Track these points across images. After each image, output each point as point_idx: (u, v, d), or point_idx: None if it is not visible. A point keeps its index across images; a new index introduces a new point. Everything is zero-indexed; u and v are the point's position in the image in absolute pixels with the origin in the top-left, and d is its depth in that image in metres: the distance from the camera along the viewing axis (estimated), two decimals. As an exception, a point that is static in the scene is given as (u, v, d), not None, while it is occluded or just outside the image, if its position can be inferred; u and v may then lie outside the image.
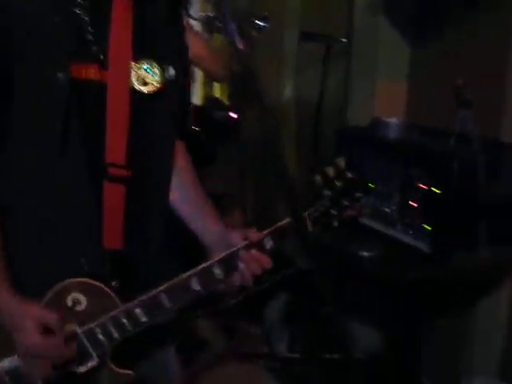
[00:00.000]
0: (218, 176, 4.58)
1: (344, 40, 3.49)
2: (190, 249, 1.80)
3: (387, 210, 2.50)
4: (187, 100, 1.75)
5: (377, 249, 2.44)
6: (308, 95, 3.71)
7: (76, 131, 1.39)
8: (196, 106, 4.20)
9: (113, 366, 1.42)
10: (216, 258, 1.45)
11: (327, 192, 1.45)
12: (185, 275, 1.42)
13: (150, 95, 1.46)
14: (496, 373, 2.83)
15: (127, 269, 1.45)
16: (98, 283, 1.39)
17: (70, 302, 1.39)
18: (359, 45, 3.44)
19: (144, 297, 1.41)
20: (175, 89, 1.56)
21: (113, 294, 1.40)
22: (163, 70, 1.49)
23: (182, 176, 1.67)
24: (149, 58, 1.46)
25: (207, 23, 3.08)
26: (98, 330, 1.39)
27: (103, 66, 1.40)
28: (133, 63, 1.44)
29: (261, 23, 3.15)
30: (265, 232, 1.47)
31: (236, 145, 4.53)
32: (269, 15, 3.20)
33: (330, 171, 1.47)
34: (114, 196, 1.42)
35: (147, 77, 1.46)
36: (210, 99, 4.89)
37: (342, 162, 1.47)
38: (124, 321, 1.40)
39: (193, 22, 3.12)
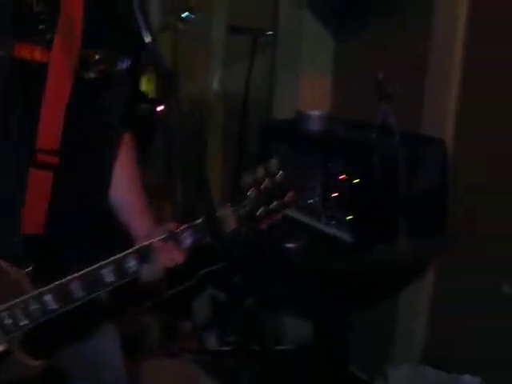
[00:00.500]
0: (146, 169, 4.55)
1: (270, 33, 3.51)
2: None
3: (310, 201, 2.53)
4: (138, 91, 1.72)
5: (301, 240, 2.46)
6: (236, 88, 3.72)
7: (16, 112, 1.37)
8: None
9: (22, 355, 1.37)
10: (130, 249, 1.42)
11: (255, 192, 1.43)
12: (97, 264, 1.39)
13: (95, 83, 1.44)
14: (419, 360, 2.90)
15: (47, 254, 1.43)
16: (8, 267, 1.35)
17: None
18: (284, 38, 3.46)
19: (56, 283, 1.36)
20: (126, 80, 1.54)
21: (25, 279, 1.36)
22: (114, 60, 1.47)
23: (121, 170, 1.65)
24: (100, 47, 1.44)
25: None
26: (4, 315, 1.34)
27: (49, 48, 1.37)
28: (83, 50, 1.41)
29: (187, 15, 3.14)
30: (182, 227, 1.45)
31: (163, 137, 4.50)
32: (195, 7, 3.18)
33: (261, 171, 1.44)
34: (39, 182, 1.40)
35: (96, 65, 1.43)
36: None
37: (273, 163, 1.45)
38: (33, 307, 1.35)
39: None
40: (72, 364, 1.57)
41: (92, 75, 1.43)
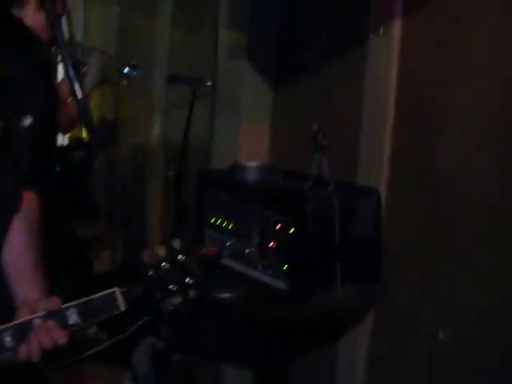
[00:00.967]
0: (85, 218, 4.51)
1: (209, 83, 3.56)
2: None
3: (247, 251, 2.53)
4: (45, 148, 1.70)
5: (238, 289, 2.46)
6: (176, 137, 3.74)
7: None
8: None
9: None
10: (7, 324, 1.35)
11: (153, 273, 1.39)
12: None
13: None
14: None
15: None
16: None
17: None
18: (223, 88, 3.51)
19: None
20: (29, 137, 1.52)
21: None
22: (17, 119, 1.44)
23: (18, 235, 1.60)
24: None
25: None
26: None
27: None
28: None
29: (129, 71, 3.18)
30: (68, 304, 1.38)
31: (102, 185, 4.46)
32: (137, 64, 3.24)
33: (161, 251, 1.42)
34: None
35: None
36: (74, 139, 4.83)
37: (176, 243, 1.44)
38: None
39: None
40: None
41: None
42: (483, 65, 2.39)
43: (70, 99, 2.78)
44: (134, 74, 3.23)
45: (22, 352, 1.35)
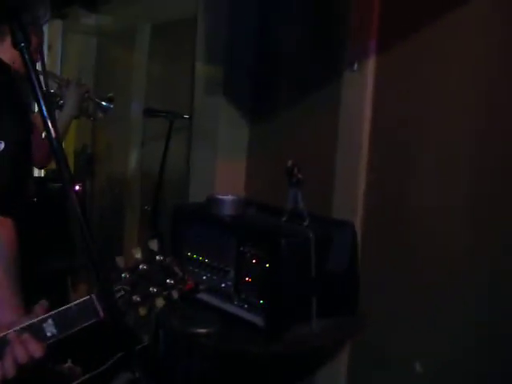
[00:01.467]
0: (63, 250, 4.49)
1: (186, 116, 3.59)
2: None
3: (223, 285, 2.54)
4: (18, 175, 1.70)
5: (214, 325, 2.45)
6: (153, 168, 3.76)
7: None
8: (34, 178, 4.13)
9: None
10: None
11: (129, 275, 1.37)
12: None
13: None
14: None
15: None
16: None
17: None
18: (200, 122, 3.54)
19: None
20: (1, 163, 1.52)
21: None
22: None
23: None
24: None
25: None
26: None
27: None
28: None
29: (106, 104, 3.21)
30: (43, 316, 1.36)
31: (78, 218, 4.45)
32: (113, 97, 3.27)
33: (138, 253, 1.39)
34: None
35: None
36: (51, 170, 4.82)
37: (154, 243, 1.41)
38: None
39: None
40: None
41: None
42: (457, 102, 2.45)
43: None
44: (111, 106, 3.26)
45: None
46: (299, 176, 2.53)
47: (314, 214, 2.59)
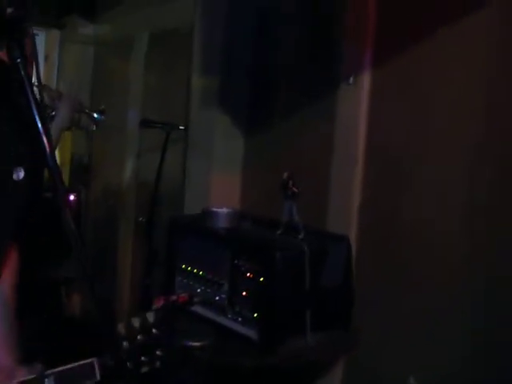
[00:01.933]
0: (58, 260, 4.47)
1: (182, 127, 3.59)
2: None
3: (217, 298, 2.53)
4: (33, 201, 1.69)
5: (208, 338, 2.44)
6: (149, 179, 3.75)
7: None
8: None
9: None
10: None
11: (126, 344, 1.40)
12: None
13: None
14: None
15: None
16: None
17: None
18: (195, 133, 3.53)
19: None
20: (22, 190, 1.50)
21: None
22: (11, 172, 1.44)
23: None
24: None
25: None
26: None
27: None
28: None
29: (97, 116, 3.22)
30: (47, 372, 1.37)
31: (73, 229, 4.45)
32: (105, 109, 3.30)
33: (136, 323, 1.42)
34: None
35: None
36: (46, 181, 4.80)
37: (150, 316, 1.45)
38: None
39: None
40: None
41: None
42: (453, 114, 2.45)
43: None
44: (103, 118, 3.27)
45: None
46: (294, 189, 2.53)
47: (309, 227, 2.59)
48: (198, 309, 2.59)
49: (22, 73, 1.25)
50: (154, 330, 1.43)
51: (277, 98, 3.32)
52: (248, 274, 2.40)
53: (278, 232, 2.58)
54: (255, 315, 2.38)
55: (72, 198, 4.57)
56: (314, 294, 2.44)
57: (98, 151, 5.00)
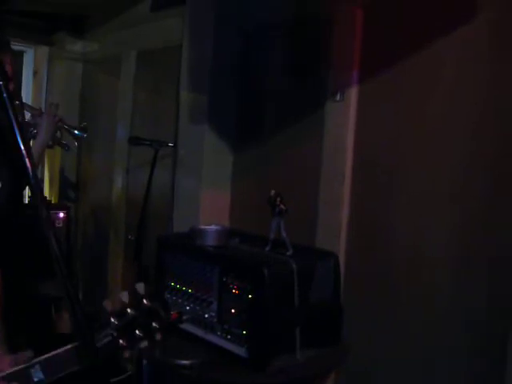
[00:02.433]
0: (47, 278, 4.46)
1: (171, 144, 3.60)
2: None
3: (207, 316, 2.53)
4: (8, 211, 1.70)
5: (197, 356, 2.44)
6: (138, 197, 3.75)
7: None
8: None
9: None
10: None
11: (115, 320, 1.37)
12: None
13: None
14: None
15: None
16: None
17: None
18: (184, 150, 3.54)
19: None
20: None
21: None
22: None
23: None
24: None
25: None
26: None
27: None
28: None
29: (78, 133, 3.24)
30: (32, 361, 1.36)
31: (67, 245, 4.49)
32: (87, 126, 3.30)
33: (124, 297, 1.39)
34: None
35: None
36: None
37: (140, 287, 1.42)
38: None
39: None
40: None
41: None
42: (438, 130, 2.48)
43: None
44: (84, 136, 3.29)
45: None
46: (282, 206, 2.54)
47: (297, 244, 2.60)
48: (187, 326, 2.59)
49: (5, 95, 1.26)
50: (145, 302, 1.38)
51: (265, 114, 3.34)
52: (236, 292, 2.40)
53: (266, 249, 2.59)
54: (244, 332, 2.38)
55: (62, 214, 4.56)
56: (303, 310, 2.44)
57: (86, 168, 5.00)
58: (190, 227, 2.73)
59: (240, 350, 2.40)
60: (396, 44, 2.66)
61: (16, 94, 2.85)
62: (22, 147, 1.27)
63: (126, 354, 1.38)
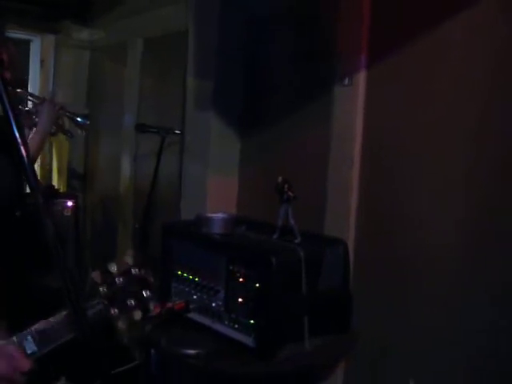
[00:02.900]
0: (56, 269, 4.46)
1: (177, 132, 3.57)
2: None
3: (214, 304, 2.50)
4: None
5: (204, 345, 2.41)
6: (146, 185, 3.73)
7: None
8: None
9: None
10: None
11: (104, 290, 1.37)
12: None
13: None
14: None
15: None
16: None
17: None
18: (191, 137, 3.51)
19: None
20: None
21: None
22: None
23: None
24: None
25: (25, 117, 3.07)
26: None
27: None
28: None
29: (81, 120, 3.20)
30: (23, 332, 1.36)
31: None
32: (89, 113, 3.30)
33: (112, 267, 1.38)
34: None
35: None
36: (44, 187, 4.79)
37: (128, 258, 1.40)
38: None
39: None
40: None
41: None
42: (451, 112, 2.42)
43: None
44: (87, 123, 3.25)
45: None
46: (289, 193, 2.50)
47: (305, 231, 2.56)
48: (194, 316, 2.56)
49: None
50: (134, 271, 1.36)
51: (272, 100, 3.29)
52: (243, 280, 2.36)
53: (274, 236, 2.55)
54: (251, 322, 2.35)
55: (70, 203, 4.54)
56: (311, 298, 2.40)
57: (94, 156, 4.98)
58: (195, 215, 2.69)
59: (247, 340, 2.36)
60: (404, 27, 2.61)
61: (17, 82, 2.83)
62: (17, 135, 1.24)
63: (121, 325, 1.36)
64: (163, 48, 4.12)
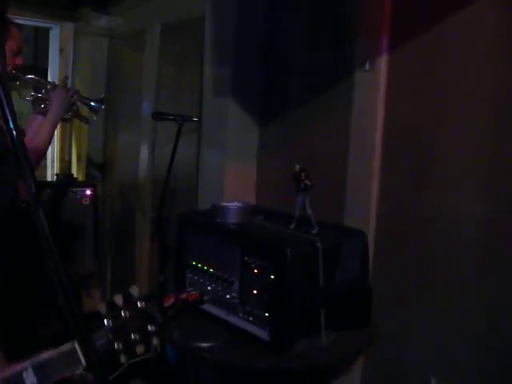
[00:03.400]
0: (79, 256, 4.46)
1: (195, 119, 3.49)
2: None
3: (228, 296, 2.43)
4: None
5: (217, 338, 2.34)
6: (164, 172, 3.67)
7: None
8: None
9: None
10: None
11: (110, 322, 1.31)
12: None
13: None
14: None
15: None
16: None
17: None
18: (209, 124, 3.44)
19: None
20: None
21: None
22: None
23: None
24: None
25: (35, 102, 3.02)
26: None
27: None
28: None
29: (95, 104, 3.13)
30: (24, 364, 1.27)
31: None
32: (105, 97, 3.23)
33: (118, 300, 1.33)
34: None
35: None
36: (63, 176, 4.78)
37: (134, 290, 1.35)
38: None
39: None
40: None
41: None
42: (471, 99, 2.32)
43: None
44: (102, 107, 3.17)
45: None
46: (307, 181, 2.41)
47: (323, 222, 2.48)
48: (208, 307, 2.50)
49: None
50: (140, 305, 1.32)
51: (291, 87, 3.21)
52: (258, 272, 2.29)
53: (291, 227, 2.47)
54: (267, 315, 2.28)
55: (88, 192, 4.52)
56: (328, 291, 2.33)
57: (113, 145, 4.94)
58: (211, 204, 2.62)
59: (262, 333, 2.30)
60: (426, 10, 2.50)
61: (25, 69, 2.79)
62: (10, 120, 1.17)
63: (122, 359, 1.31)
64: (181, 34, 4.05)
